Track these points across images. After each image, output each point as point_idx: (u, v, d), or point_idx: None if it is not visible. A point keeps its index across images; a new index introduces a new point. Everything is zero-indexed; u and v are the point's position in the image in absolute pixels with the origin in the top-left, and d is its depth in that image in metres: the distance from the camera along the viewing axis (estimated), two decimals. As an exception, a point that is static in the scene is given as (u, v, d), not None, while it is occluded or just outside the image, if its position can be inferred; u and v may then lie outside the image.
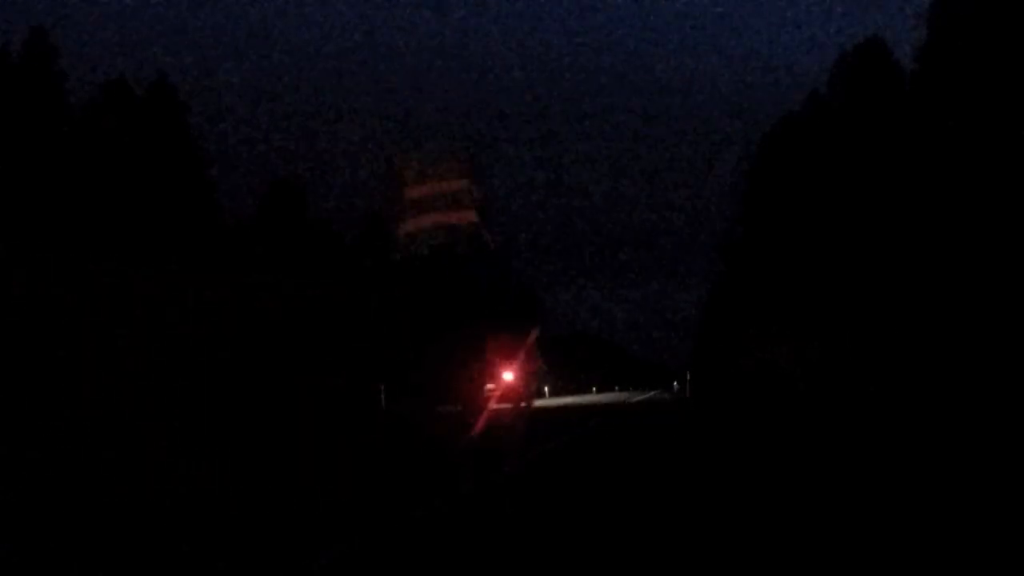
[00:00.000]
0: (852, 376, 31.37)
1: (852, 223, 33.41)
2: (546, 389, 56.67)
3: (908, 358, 29.27)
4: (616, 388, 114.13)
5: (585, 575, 4.42)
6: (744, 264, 50.46)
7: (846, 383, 31.13)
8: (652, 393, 70.75)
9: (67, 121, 34.82)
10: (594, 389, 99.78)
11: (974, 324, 25.24)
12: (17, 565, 4.58)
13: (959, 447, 10.52)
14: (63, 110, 34.80)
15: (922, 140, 28.63)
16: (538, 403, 31.31)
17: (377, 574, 4.61)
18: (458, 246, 4.78)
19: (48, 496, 7.68)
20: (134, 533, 5.69)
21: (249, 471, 9.66)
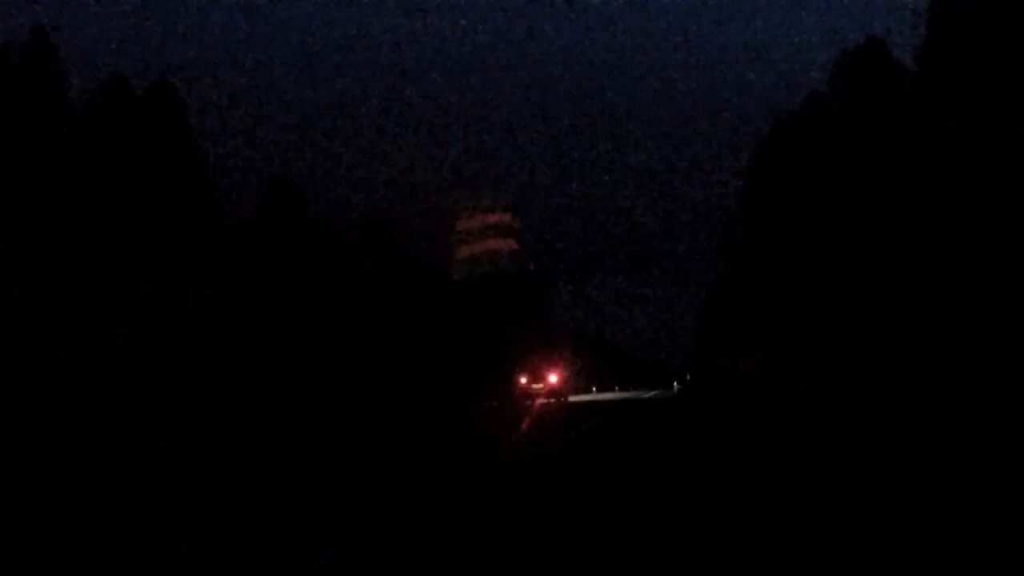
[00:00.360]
0: (852, 376, 31.37)
1: (852, 223, 33.40)
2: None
3: (908, 358, 29.25)
4: (616, 388, 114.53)
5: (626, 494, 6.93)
6: (744, 264, 50.48)
7: (846, 383, 31.12)
8: (653, 393, 75.15)
9: (67, 121, 34.79)
10: (594, 389, 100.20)
11: (974, 323, 25.23)
12: (17, 565, 4.57)
13: (958, 445, 10.52)
14: (63, 110, 34.78)
15: (922, 140, 28.61)
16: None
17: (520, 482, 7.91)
18: (502, 268, 6.07)
19: (48, 496, 7.68)
20: (134, 533, 5.68)
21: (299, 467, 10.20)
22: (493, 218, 6.96)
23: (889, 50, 35.09)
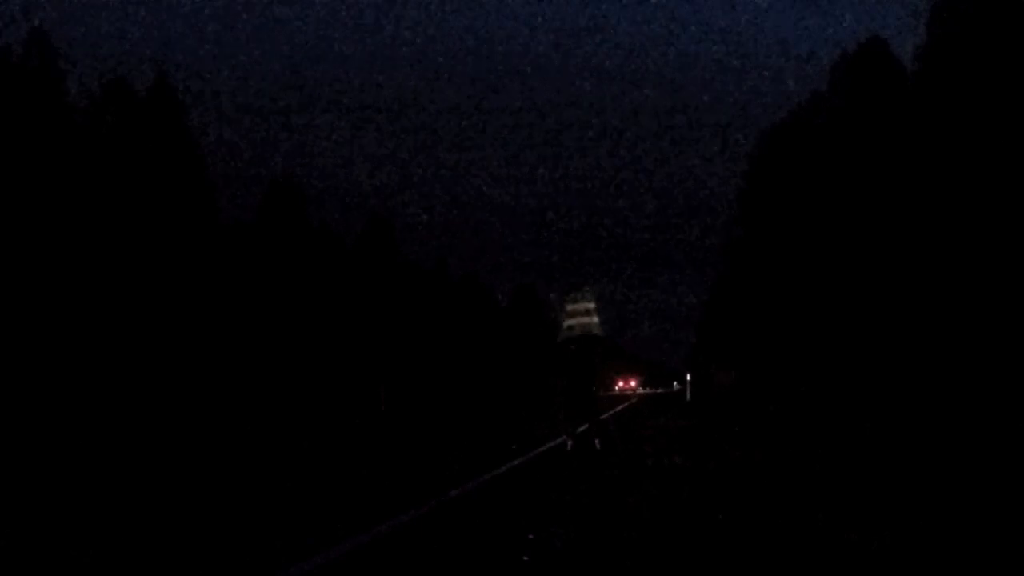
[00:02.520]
0: (855, 383, 31.30)
1: (852, 223, 33.37)
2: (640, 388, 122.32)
3: (909, 360, 29.22)
4: (617, 388, 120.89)
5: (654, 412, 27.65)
6: (744, 265, 50.48)
7: (849, 391, 31.05)
8: (660, 390, 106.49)
9: (67, 121, 34.77)
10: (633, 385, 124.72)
11: (978, 322, 25.20)
12: (16, 563, 4.55)
13: (949, 447, 10.45)
14: (63, 110, 34.76)
15: (922, 140, 28.60)
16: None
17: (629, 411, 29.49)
18: (589, 333, 12.05)
19: (46, 496, 7.65)
20: (136, 527, 5.65)
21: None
22: (587, 305, 10.14)
23: (890, 50, 35.09)
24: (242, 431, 18.44)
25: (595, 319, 11.94)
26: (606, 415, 14.78)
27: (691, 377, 62.93)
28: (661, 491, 6.55)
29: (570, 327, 11.92)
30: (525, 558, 4.20)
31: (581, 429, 11.44)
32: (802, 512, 5.27)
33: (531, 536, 4.73)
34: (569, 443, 11.17)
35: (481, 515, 5.69)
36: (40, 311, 30.78)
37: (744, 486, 6.72)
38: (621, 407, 33.13)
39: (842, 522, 4.83)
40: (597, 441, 11.28)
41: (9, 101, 32.57)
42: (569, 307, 11.97)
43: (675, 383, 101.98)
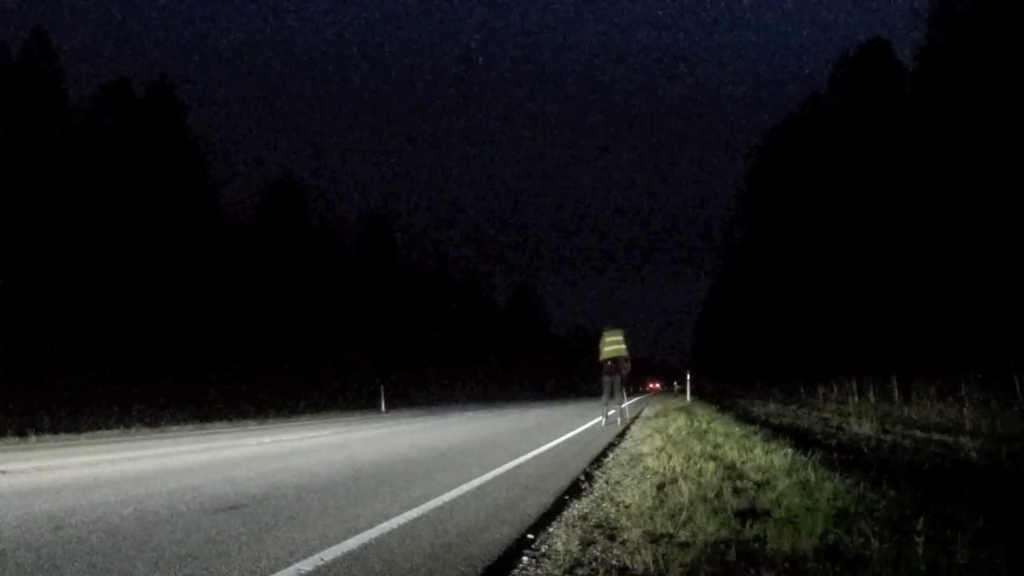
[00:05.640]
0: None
1: (853, 224, 33.38)
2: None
3: (907, 358, 29.22)
4: (647, 388, 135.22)
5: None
6: (744, 265, 50.51)
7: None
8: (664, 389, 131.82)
9: (67, 121, 34.76)
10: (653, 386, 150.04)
11: (976, 319, 25.19)
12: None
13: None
14: (63, 110, 34.76)
15: (923, 141, 28.59)
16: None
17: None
18: (620, 356, 17.61)
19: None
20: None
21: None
22: (619, 336, 17.59)
23: (891, 50, 35.07)
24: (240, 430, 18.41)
25: (623, 345, 17.97)
26: (625, 405, 20.47)
27: (690, 377, 63.20)
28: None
29: (607, 350, 17.94)
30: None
31: (611, 412, 18.82)
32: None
33: None
34: (603, 421, 18.26)
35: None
36: (40, 312, 30.78)
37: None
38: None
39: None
40: (619, 420, 19.02)
41: (9, 101, 32.56)
42: (608, 337, 18.15)
43: (675, 383, 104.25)
